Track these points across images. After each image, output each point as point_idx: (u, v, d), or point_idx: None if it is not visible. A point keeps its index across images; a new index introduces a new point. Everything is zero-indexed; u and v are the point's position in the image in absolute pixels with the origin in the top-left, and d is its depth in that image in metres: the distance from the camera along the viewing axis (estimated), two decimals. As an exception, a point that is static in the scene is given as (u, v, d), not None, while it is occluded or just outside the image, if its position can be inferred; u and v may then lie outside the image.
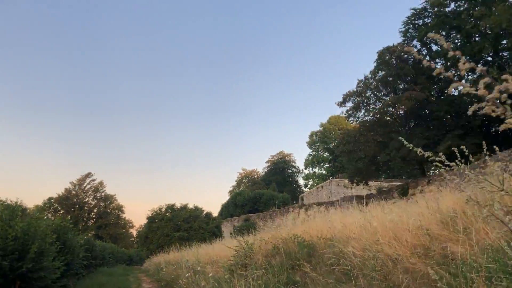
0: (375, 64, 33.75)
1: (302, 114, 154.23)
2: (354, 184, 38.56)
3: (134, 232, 74.07)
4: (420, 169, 34.02)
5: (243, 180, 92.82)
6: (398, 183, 44.23)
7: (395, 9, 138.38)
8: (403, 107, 29.97)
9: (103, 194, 71.73)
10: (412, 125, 34.03)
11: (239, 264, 9.60)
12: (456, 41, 30.64)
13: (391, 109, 32.92)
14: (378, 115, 33.81)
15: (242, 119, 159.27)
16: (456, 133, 27.73)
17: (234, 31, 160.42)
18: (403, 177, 56.49)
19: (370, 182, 39.92)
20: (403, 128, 33.99)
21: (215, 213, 56.87)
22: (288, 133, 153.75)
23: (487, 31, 27.70)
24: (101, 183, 72.09)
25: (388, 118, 34.47)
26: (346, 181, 55.98)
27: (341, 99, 35.53)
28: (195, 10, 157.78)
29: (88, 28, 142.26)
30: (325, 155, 75.70)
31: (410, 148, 3.77)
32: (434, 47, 32.92)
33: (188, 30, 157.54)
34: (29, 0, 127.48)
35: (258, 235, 10.92)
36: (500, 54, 28.23)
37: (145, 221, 43.48)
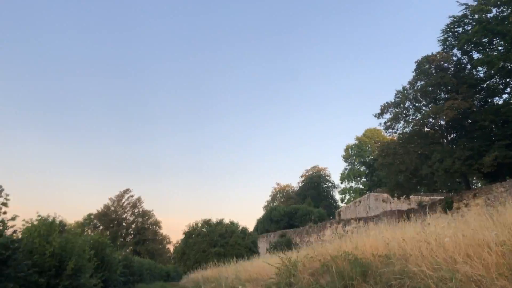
0: (413, 74, 32.69)
1: (337, 128, 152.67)
2: (395, 198, 37.22)
3: (171, 247, 74.13)
4: (465, 181, 32.49)
5: (278, 195, 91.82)
6: (439, 197, 42.50)
7: (434, 18, 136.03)
8: (445, 117, 28.71)
9: (140, 209, 72.23)
10: (454, 136, 32.70)
11: (283, 283, 9.05)
12: (500, 48, 29.37)
13: (431, 120, 31.70)
14: (418, 126, 32.66)
15: (277, 133, 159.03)
16: (503, 143, 26.28)
17: (264, 45, 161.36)
18: (444, 191, 54.38)
19: (410, 196, 38.48)
20: (444, 140, 32.71)
21: (251, 229, 56.30)
22: (323, 147, 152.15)
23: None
24: (139, 199, 72.76)
25: (429, 129, 33.27)
26: (385, 195, 54.42)
27: (379, 111, 34.55)
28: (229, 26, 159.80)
29: (124, 53, 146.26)
30: (361, 169, 74.01)
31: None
32: (476, 55, 31.67)
33: (219, 43, 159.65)
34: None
35: (301, 252, 10.32)
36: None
37: (181, 236, 43.40)
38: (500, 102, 30.76)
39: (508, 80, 30.11)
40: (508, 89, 30.89)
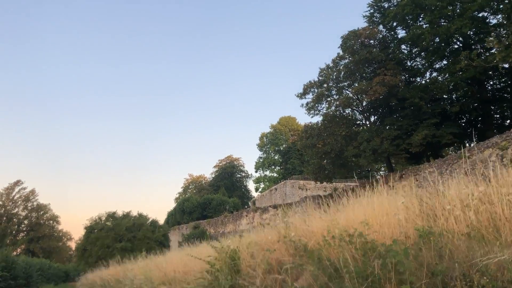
0: (339, 50, 30.80)
1: (253, 117, 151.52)
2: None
3: (73, 245, 67.75)
4: (388, 165, 31.40)
5: (190, 186, 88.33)
6: (354, 184, 41.59)
7: None
8: (371, 95, 26.95)
9: (35, 203, 64.74)
10: (377, 116, 31.45)
11: (222, 286, 5.82)
12: (425, 25, 28.34)
13: (354, 100, 30.00)
14: (341, 107, 30.80)
15: (190, 124, 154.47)
16: (431, 122, 25.15)
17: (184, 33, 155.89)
18: (355, 178, 54.34)
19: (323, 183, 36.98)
20: (367, 121, 31.36)
21: (161, 222, 52.73)
22: (237, 137, 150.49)
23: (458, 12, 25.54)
24: (32, 192, 65.14)
25: (351, 110, 31.64)
26: (302, 182, 53.27)
27: (301, 91, 32.28)
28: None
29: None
30: (276, 158, 72.80)
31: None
32: (401, 33, 30.62)
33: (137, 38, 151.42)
34: None
35: (245, 238, 7.11)
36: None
37: (84, 232, 38.57)
38: (426, 80, 29.86)
39: (432, 59, 29.25)
40: (432, 69, 30.14)
